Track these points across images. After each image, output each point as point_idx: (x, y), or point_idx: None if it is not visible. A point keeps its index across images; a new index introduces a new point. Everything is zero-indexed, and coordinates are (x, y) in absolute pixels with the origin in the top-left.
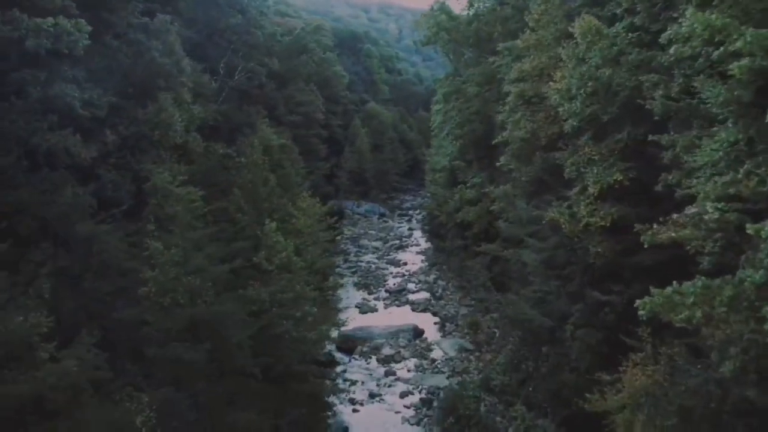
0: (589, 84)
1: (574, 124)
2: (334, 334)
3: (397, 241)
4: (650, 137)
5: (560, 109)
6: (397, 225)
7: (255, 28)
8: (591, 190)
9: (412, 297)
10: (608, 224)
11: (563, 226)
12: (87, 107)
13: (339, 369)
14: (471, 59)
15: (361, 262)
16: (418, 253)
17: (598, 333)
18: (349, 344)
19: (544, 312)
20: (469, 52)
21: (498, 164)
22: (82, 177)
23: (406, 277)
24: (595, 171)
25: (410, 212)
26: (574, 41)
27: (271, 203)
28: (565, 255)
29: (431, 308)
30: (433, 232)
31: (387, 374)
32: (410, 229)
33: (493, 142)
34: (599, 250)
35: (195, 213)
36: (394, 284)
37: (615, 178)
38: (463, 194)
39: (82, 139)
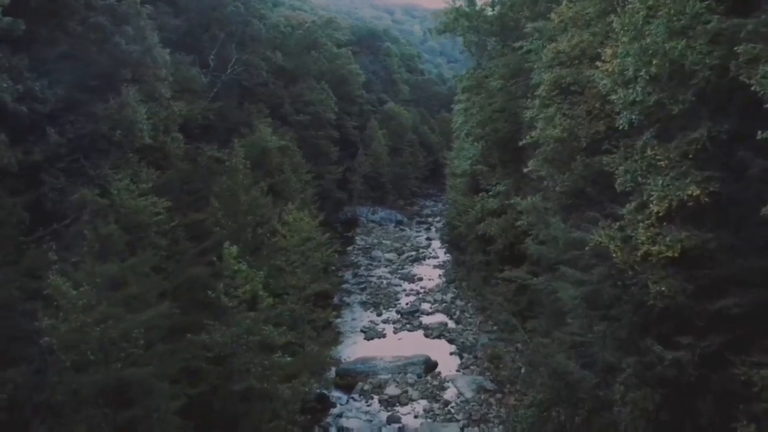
0: (654, 63)
1: (632, 117)
2: (331, 373)
3: (414, 253)
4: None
5: (613, 97)
6: (414, 234)
7: (256, 18)
8: (654, 207)
9: (425, 320)
10: (676, 255)
11: (613, 254)
12: (24, 101)
13: (334, 412)
14: (495, 50)
15: (372, 276)
16: (435, 266)
17: (656, 395)
18: (349, 380)
19: (584, 362)
20: (493, 41)
21: (526, 170)
22: (15, 185)
23: (420, 296)
24: (660, 182)
25: (430, 219)
26: (631, 7)
27: (255, 215)
28: (614, 292)
29: (447, 334)
30: (453, 244)
31: (389, 421)
32: (428, 238)
33: (521, 144)
34: (662, 288)
35: (159, 228)
36: (407, 304)
37: (689, 192)
38: (484, 204)
39: (13, 138)
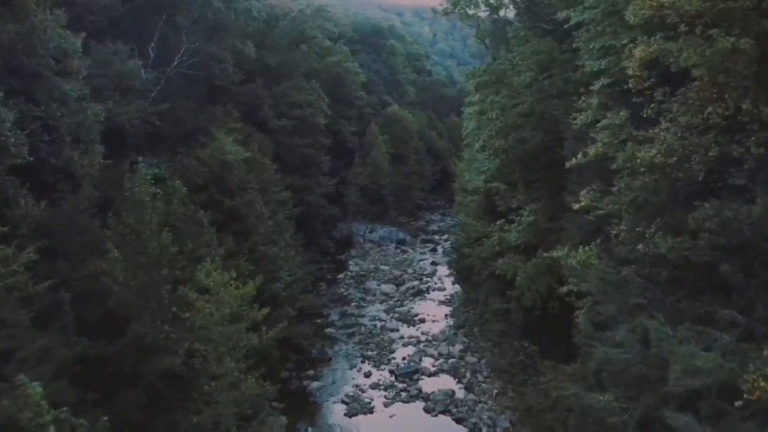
0: None
1: None
2: None
3: (416, 282)
4: None
5: None
6: (418, 256)
7: (222, 2)
8: None
9: (427, 384)
10: None
11: None
12: None
13: None
14: (517, 37)
15: (364, 316)
16: (441, 302)
17: None
18: None
19: None
20: (516, 22)
21: (574, 205)
22: None
23: (421, 346)
24: None
25: (436, 237)
26: None
27: (174, 268)
28: None
29: (454, 410)
30: (462, 274)
31: None
32: (434, 263)
33: (568, 165)
34: None
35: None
36: (404, 359)
37: None
38: (504, 235)
39: None
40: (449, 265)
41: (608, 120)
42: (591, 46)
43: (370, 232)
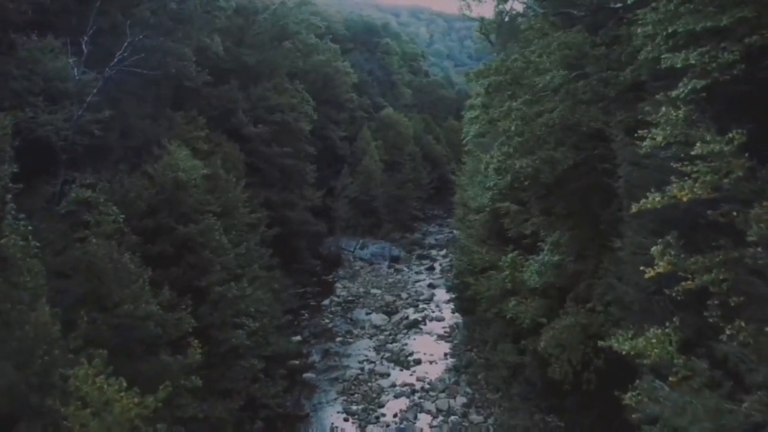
0: None
1: None
2: None
3: (411, 311)
4: None
5: None
6: (413, 276)
7: None
8: None
9: None
10: None
11: None
12: None
13: None
14: (534, 28)
15: (350, 355)
16: (440, 337)
17: None
18: None
19: None
20: (534, 9)
21: (646, 275)
22: None
23: (416, 397)
24: None
25: (433, 253)
26: None
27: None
28: None
29: None
30: (464, 305)
31: None
32: (431, 285)
33: (634, 210)
34: None
35: None
36: (396, 415)
37: None
38: (515, 273)
39: None
40: (448, 289)
41: (711, 145)
42: (665, 31)
43: (361, 249)
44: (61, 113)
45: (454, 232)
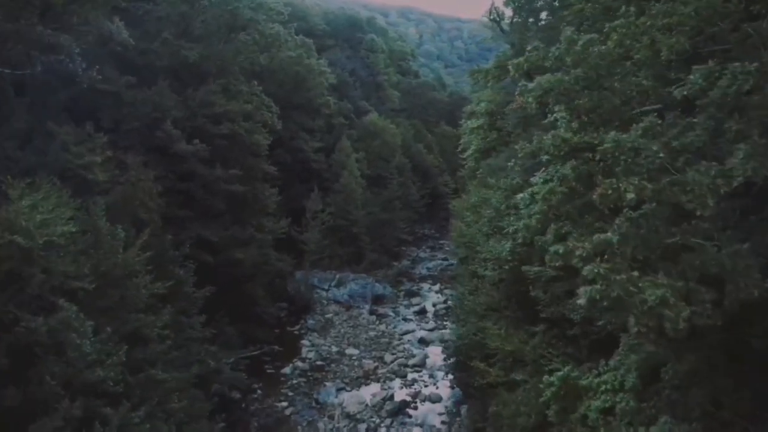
0: None
1: None
2: None
3: (396, 384)
4: None
5: None
6: (401, 325)
7: None
8: None
9: None
10: None
11: None
12: None
13: None
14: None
15: None
16: (432, 430)
17: None
18: None
19: None
20: None
21: None
22: None
23: None
24: None
25: (425, 287)
26: None
27: None
28: None
29: None
30: (464, 382)
31: None
32: (423, 340)
33: None
34: None
35: None
36: None
37: None
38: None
39: None
40: (444, 349)
41: None
42: None
43: (337, 287)
44: None
45: (449, 256)
